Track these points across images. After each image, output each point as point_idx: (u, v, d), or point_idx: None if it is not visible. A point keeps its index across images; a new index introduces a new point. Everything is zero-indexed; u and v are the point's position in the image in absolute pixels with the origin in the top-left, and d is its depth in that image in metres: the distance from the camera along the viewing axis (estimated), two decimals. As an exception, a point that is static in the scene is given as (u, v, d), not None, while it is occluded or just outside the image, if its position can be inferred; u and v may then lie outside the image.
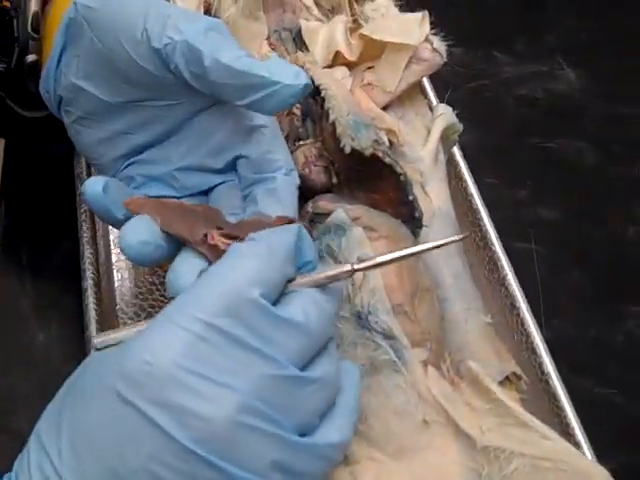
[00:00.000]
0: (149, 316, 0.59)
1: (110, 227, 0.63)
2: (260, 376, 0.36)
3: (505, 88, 0.84)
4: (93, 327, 0.55)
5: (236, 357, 0.36)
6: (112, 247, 0.63)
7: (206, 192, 0.52)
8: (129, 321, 0.59)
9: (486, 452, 0.45)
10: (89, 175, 0.61)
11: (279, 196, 0.49)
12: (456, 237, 0.43)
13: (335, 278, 0.41)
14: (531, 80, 0.85)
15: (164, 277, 0.61)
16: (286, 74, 0.44)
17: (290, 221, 0.46)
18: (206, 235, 0.44)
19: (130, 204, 0.46)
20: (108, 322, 0.57)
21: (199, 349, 0.35)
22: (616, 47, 0.89)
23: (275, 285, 0.39)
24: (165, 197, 0.51)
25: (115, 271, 0.62)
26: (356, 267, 0.41)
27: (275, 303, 0.39)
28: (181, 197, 0.51)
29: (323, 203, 0.53)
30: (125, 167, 0.51)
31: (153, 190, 0.51)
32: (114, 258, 0.62)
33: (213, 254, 0.44)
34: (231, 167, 0.51)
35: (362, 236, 0.50)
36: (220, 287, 0.37)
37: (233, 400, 0.35)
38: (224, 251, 0.43)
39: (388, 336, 0.48)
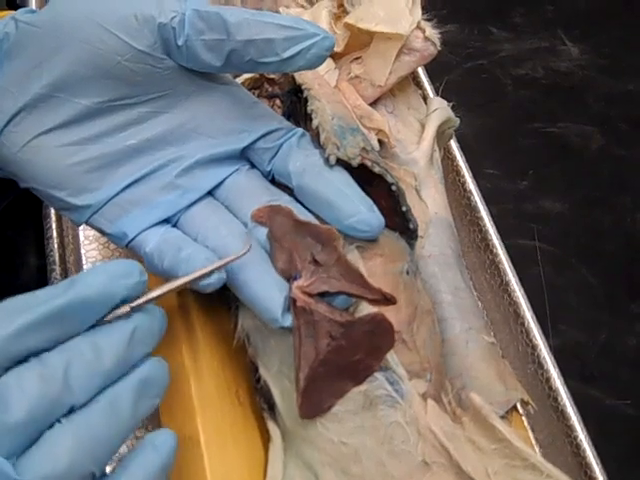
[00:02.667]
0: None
1: (81, 241, 0.59)
2: None
3: (503, 68, 0.79)
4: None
5: None
6: (83, 262, 0.58)
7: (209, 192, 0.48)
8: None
9: (493, 498, 0.42)
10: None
11: (310, 140, 0.48)
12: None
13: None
14: (531, 58, 0.80)
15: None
16: (317, 28, 0.43)
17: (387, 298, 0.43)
18: (295, 278, 0.43)
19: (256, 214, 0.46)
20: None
21: None
22: (620, 18, 0.84)
23: None
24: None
25: (88, 289, 0.57)
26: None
27: None
28: (186, 207, 0.47)
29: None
30: (117, 195, 0.46)
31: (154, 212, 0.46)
32: (86, 275, 0.58)
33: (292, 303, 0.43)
34: (238, 155, 0.48)
35: (356, 257, 0.46)
36: None
37: None
38: (301, 308, 0.42)
39: (384, 367, 0.44)
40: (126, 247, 0.46)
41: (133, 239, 0.45)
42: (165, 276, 0.45)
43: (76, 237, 0.58)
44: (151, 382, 0.37)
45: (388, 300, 0.43)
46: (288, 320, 0.42)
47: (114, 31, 0.43)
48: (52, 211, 0.57)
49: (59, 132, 0.44)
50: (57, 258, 0.54)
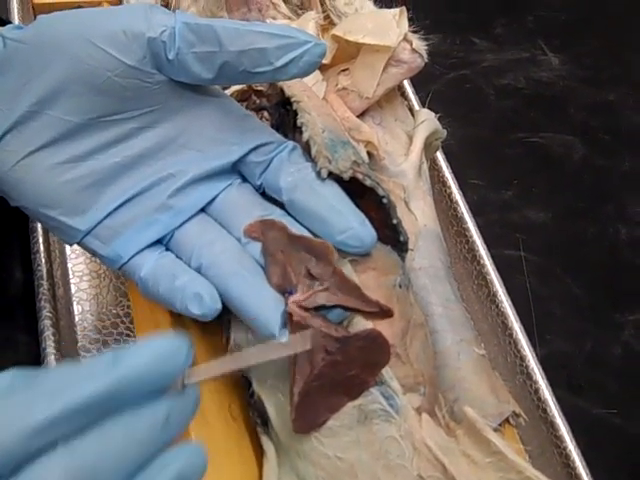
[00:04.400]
0: (114, 352, 0.54)
1: (68, 255, 0.58)
2: None
3: (486, 78, 0.79)
4: (53, 372, 0.50)
5: None
6: (70, 276, 0.57)
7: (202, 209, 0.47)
8: (92, 359, 0.54)
9: (489, 512, 0.42)
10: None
11: (302, 153, 0.48)
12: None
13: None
14: (512, 68, 0.80)
15: (128, 307, 0.56)
16: (308, 35, 0.43)
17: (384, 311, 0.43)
18: (290, 292, 0.43)
19: (248, 230, 0.45)
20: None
21: None
22: (599, 28, 0.85)
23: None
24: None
25: (75, 304, 0.56)
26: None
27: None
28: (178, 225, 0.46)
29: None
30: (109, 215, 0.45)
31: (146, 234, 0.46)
32: (73, 289, 0.57)
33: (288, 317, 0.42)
34: (229, 169, 0.47)
35: (349, 270, 0.46)
36: None
37: None
38: (297, 323, 0.41)
39: (378, 382, 0.44)
40: (119, 270, 0.46)
41: (127, 262, 0.45)
42: (160, 303, 0.45)
43: (63, 251, 0.58)
44: (187, 475, 0.32)
45: (385, 312, 0.43)
46: (285, 336, 0.42)
47: (103, 46, 0.42)
48: (39, 225, 0.56)
49: (49, 150, 0.44)
50: (45, 273, 0.54)
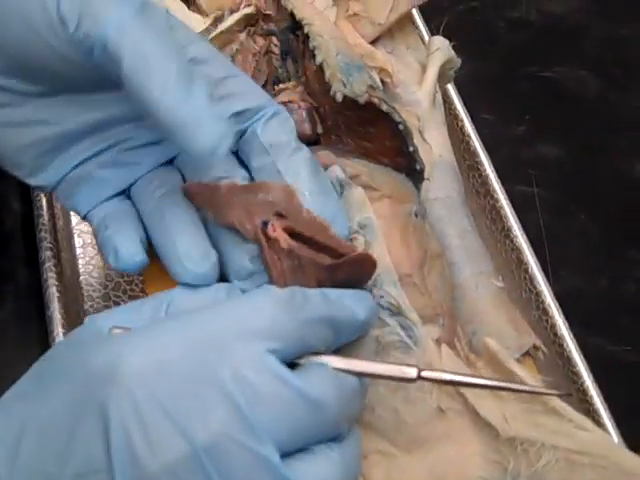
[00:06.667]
0: (116, 287, 0.53)
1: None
2: (224, 435, 0.31)
3: (496, 10, 0.77)
4: (55, 305, 0.49)
5: (205, 399, 0.32)
6: (70, 208, 0.56)
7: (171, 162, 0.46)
8: (94, 293, 0.53)
9: (512, 444, 0.40)
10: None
11: (281, 120, 0.44)
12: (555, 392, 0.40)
13: (388, 377, 0.37)
14: (523, 0, 0.78)
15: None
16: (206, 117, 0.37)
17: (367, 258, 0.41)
18: (265, 224, 0.40)
19: (187, 191, 0.43)
20: (72, 296, 0.51)
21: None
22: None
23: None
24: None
25: (76, 236, 0.55)
26: (424, 375, 0.37)
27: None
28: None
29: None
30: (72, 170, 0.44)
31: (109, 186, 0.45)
32: (74, 221, 0.55)
33: (270, 249, 0.40)
34: None
35: (363, 197, 0.44)
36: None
37: (179, 449, 0.31)
38: (283, 249, 0.39)
39: (396, 312, 0.43)
40: (84, 219, 0.46)
41: (87, 214, 0.45)
42: None
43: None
44: None
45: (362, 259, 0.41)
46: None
47: (41, 32, 0.38)
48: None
49: (9, 110, 0.42)
50: (44, 203, 0.52)
